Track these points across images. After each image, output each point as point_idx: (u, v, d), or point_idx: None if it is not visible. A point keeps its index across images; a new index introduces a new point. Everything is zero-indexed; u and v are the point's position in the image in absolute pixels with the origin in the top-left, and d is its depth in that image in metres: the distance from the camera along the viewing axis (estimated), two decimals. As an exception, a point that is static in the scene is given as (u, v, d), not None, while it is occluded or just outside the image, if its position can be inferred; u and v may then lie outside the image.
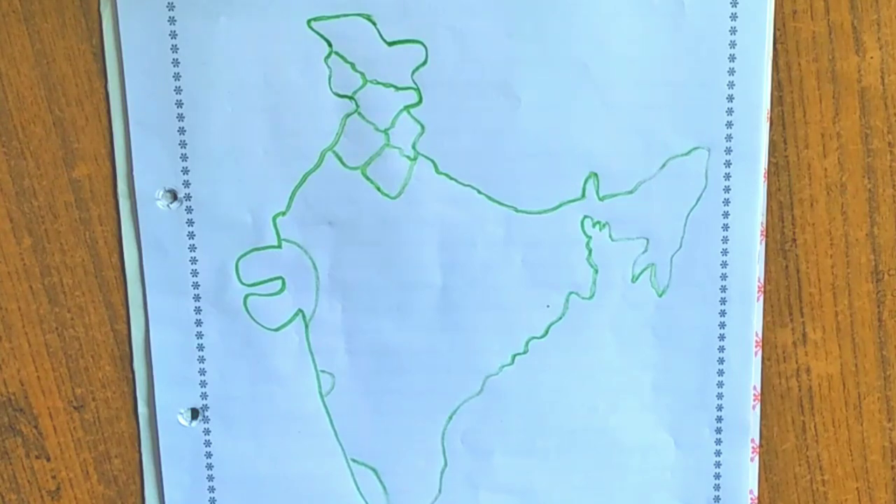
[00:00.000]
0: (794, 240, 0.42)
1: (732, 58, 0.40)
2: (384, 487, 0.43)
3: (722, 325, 0.42)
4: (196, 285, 0.41)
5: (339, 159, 0.40)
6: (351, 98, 0.40)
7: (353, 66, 0.39)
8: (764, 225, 0.41)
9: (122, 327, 0.42)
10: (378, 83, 0.40)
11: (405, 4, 0.39)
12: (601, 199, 0.41)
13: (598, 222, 0.41)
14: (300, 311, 0.42)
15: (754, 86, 0.40)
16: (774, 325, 0.43)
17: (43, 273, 0.42)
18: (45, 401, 0.43)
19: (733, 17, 0.39)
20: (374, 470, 0.43)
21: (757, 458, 0.44)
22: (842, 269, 0.42)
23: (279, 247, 0.41)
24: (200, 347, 0.42)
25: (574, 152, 0.40)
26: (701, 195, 0.41)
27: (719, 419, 0.43)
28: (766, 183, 0.41)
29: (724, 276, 0.41)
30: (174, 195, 0.41)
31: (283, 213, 0.41)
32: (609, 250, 0.41)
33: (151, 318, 0.42)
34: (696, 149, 0.40)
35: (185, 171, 0.40)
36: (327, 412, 0.43)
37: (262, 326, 0.42)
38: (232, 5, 0.39)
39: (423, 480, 0.43)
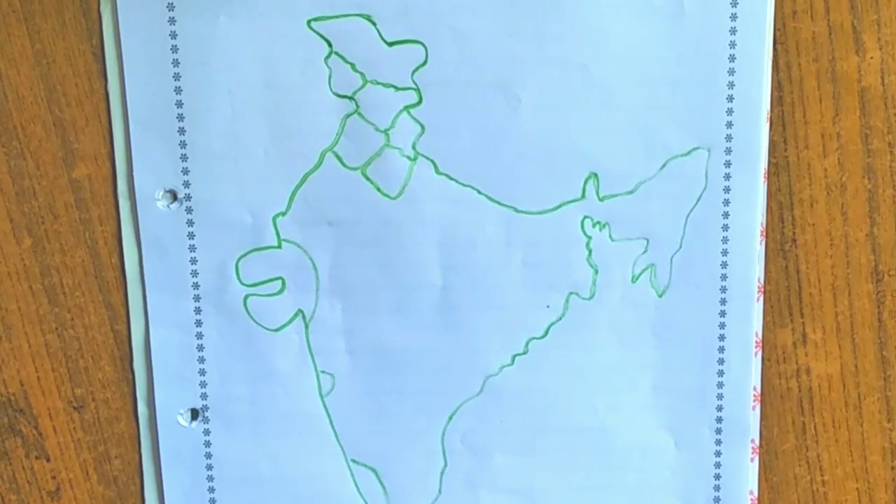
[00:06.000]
0: (794, 240, 0.42)
1: (732, 58, 0.40)
2: (384, 488, 0.43)
3: (722, 326, 0.42)
4: (196, 285, 0.41)
5: (339, 159, 0.40)
6: (351, 98, 0.40)
7: (353, 66, 0.39)
8: (764, 225, 0.41)
9: (122, 327, 0.42)
10: (378, 83, 0.40)
11: (405, 4, 0.39)
12: (601, 200, 0.41)
13: (598, 222, 0.41)
14: (300, 311, 0.42)
15: (754, 86, 0.40)
16: (774, 325, 0.43)
17: (43, 273, 0.41)
18: (45, 401, 0.43)
19: (733, 17, 0.39)
20: (374, 470, 0.43)
21: (757, 459, 0.44)
22: (842, 269, 0.42)
23: (279, 247, 0.41)
24: (200, 348, 0.42)
25: (574, 152, 0.40)
26: (701, 195, 0.41)
27: (719, 419, 0.43)
28: (766, 183, 0.41)
29: (724, 277, 0.41)
30: (174, 195, 0.41)
31: (283, 214, 0.41)
32: (609, 250, 0.41)
33: (151, 318, 0.42)
34: (696, 149, 0.40)
35: (185, 171, 0.40)
36: (327, 413, 0.43)
37: (262, 327, 0.42)
38: (232, 5, 0.39)
39: (423, 480, 0.43)
